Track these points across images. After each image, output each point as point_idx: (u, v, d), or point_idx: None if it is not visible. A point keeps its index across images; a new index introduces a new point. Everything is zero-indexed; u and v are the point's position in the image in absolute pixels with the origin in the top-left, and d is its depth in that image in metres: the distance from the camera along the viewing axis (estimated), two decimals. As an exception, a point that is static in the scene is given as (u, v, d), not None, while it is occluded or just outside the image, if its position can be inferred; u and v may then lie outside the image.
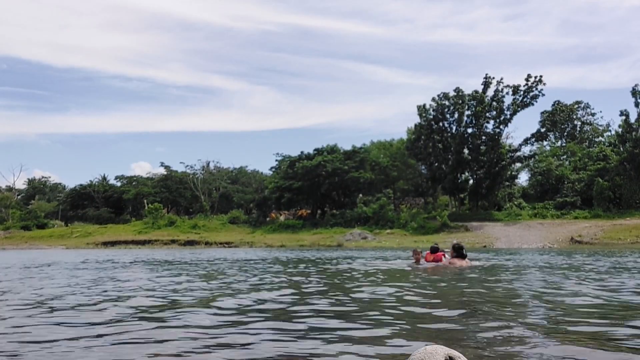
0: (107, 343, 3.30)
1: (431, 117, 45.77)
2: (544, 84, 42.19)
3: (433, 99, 45.91)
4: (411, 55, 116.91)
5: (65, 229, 55.57)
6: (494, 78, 43.58)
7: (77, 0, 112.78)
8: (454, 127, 45.58)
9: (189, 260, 16.29)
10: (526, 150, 47.38)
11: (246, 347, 3.17)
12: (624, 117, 41.87)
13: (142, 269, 11.64)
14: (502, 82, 43.41)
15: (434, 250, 11.09)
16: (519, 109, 43.17)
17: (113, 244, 43.61)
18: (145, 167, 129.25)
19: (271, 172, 58.89)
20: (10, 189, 75.22)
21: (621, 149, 42.63)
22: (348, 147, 52.42)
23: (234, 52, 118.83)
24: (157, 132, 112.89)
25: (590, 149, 50.39)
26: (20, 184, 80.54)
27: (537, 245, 29.50)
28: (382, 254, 19.94)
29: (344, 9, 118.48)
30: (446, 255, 10.77)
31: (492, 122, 44.12)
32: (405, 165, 51.56)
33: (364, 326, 3.79)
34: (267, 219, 53.52)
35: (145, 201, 60.98)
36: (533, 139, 45.15)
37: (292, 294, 6.04)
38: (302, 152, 52.42)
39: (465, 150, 44.90)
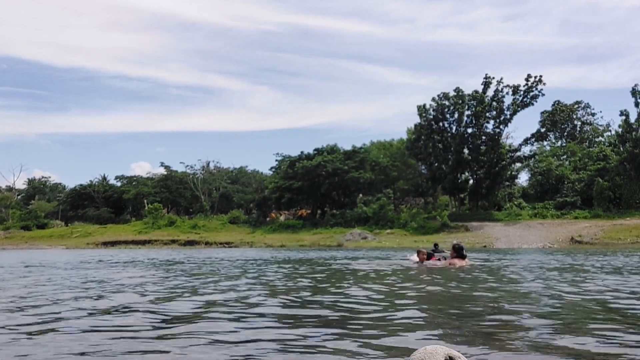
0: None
1: (431, 117, 45.78)
2: (544, 84, 42.26)
3: (433, 99, 45.95)
4: (411, 55, 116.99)
5: (65, 229, 55.59)
6: (494, 78, 43.65)
7: (77, 0, 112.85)
8: (454, 127, 45.60)
9: (183, 259, 16.30)
10: (526, 150, 47.48)
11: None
12: (624, 117, 41.88)
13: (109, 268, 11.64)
14: (502, 82, 43.47)
15: (429, 256, 11.22)
16: (519, 109, 43.18)
17: (113, 244, 43.62)
18: (145, 167, 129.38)
19: (271, 172, 58.94)
20: (10, 189, 75.24)
21: (621, 149, 42.63)
22: (348, 147, 52.52)
23: (234, 52, 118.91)
24: (157, 132, 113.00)
25: (590, 149, 50.39)
26: (20, 184, 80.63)
27: (537, 245, 29.50)
28: (382, 253, 19.94)
29: (344, 9, 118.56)
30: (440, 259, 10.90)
31: (492, 122, 44.14)
32: (405, 165, 51.56)
33: (364, 326, 3.79)
34: (267, 219, 53.53)
35: (145, 201, 60.99)
36: (533, 139, 45.17)
37: (307, 286, 6.04)
38: (302, 152, 52.47)
39: (465, 150, 44.91)
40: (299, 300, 5.40)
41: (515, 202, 46.21)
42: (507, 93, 43.36)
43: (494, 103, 43.76)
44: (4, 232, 54.84)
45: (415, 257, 11.47)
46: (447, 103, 45.47)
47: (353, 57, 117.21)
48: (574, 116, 61.29)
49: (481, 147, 44.06)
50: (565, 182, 44.79)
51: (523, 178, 53.00)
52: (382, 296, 5.64)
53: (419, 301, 5.23)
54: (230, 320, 4.13)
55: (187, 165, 66.36)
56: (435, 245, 15.04)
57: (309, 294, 6.00)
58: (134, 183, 71.48)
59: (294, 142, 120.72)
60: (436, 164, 45.83)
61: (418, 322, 3.96)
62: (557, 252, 20.94)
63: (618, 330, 3.56)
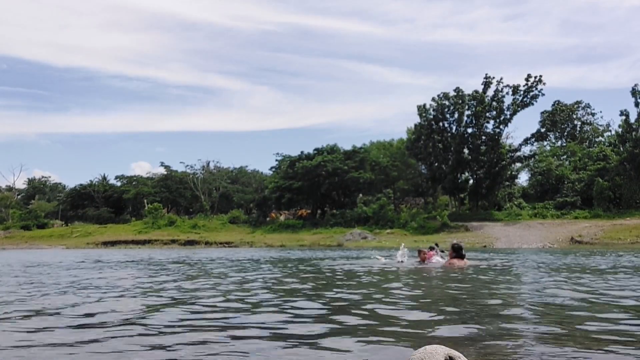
0: None
1: (431, 117, 45.78)
2: (544, 83, 42.28)
3: (433, 99, 45.95)
4: (411, 55, 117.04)
5: (65, 229, 55.61)
6: (494, 78, 43.67)
7: (77, 0, 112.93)
8: (454, 127, 45.61)
9: (179, 259, 16.28)
10: (526, 150, 47.48)
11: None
12: (624, 117, 41.89)
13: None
14: (502, 82, 43.49)
15: (431, 249, 11.32)
16: (519, 108, 43.19)
17: (113, 243, 43.62)
18: (145, 167, 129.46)
19: (271, 172, 58.96)
20: (10, 188, 75.28)
21: (621, 149, 42.64)
22: (348, 147, 52.55)
23: (234, 52, 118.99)
24: (157, 132, 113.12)
25: (590, 149, 50.40)
26: (20, 184, 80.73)
27: (537, 245, 29.49)
28: (381, 253, 19.91)
29: (344, 9, 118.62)
30: (436, 254, 10.96)
31: (492, 122, 44.15)
32: (405, 165, 51.57)
33: (364, 326, 3.78)
34: (267, 218, 53.54)
35: (145, 201, 61.01)
36: (533, 139, 45.19)
37: (312, 285, 6.02)
38: (302, 152, 52.48)
39: (465, 150, 44.92)
40: (289, 299, 5.38)
41: (515, 202, 46.22)
42: (507, 93, 43.40)
43: (494, 103, 43.77)
44: (4, 232, 54.86)
45: (399, 256, 11.73)
46: (447, 103, 45.48)
47: (353, 57, 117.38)
48: (574, 116, 61.31)
49: (481, 147, 44.07)
50: (565, 182, 44.80)
51: (523, 178, 53.11)
52: (382, 296, 5.62)
53: (418, 301, 5.22)
54: (147, 328, 4.10)
55: (187, 165, 66.53)
56: (435, 244, 15.03)
57: (300, 294, 5.98)
58: (134, 183, 71.51)
59: (294, 142, 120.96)
60: (436, 164, 45.84)
61: (418, 322, 3.94)
62: (557, 252, 20.92)
63: (619, 330, 3.54)
